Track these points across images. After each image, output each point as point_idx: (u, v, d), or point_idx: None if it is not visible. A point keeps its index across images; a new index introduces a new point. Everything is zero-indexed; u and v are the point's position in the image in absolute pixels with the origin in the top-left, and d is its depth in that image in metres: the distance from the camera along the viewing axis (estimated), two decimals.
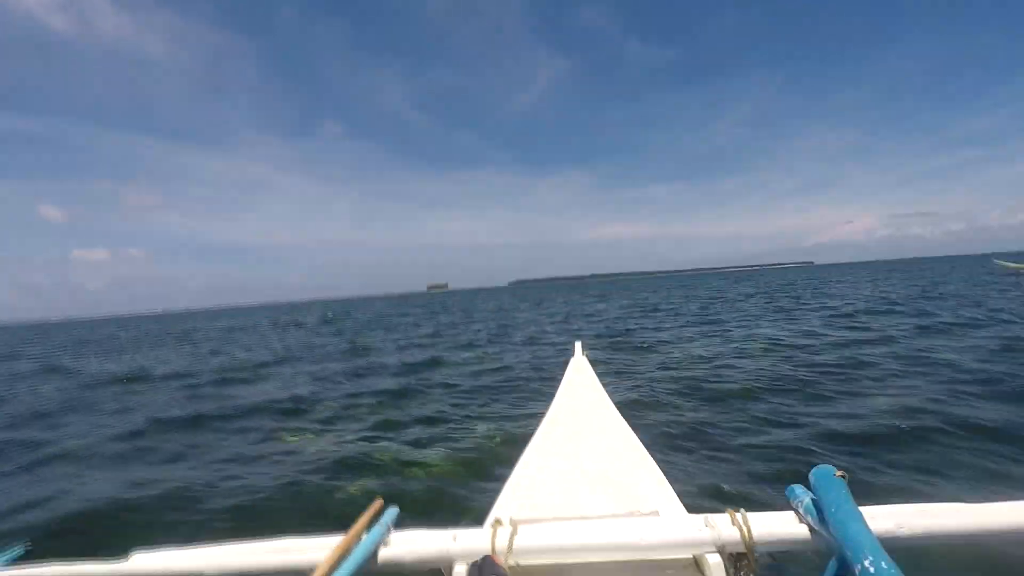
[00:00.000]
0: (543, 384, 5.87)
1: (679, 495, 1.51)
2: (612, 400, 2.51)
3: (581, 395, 2.68)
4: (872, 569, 0.73)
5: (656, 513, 1.30)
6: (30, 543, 1.82)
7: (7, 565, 1.84)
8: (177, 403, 6.42)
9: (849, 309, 12.01)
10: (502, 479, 1.77)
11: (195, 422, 5.24)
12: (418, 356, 9.49)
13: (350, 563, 1.07)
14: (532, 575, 1.13)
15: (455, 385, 6.40)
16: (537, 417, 2.41)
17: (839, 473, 0.96)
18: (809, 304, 14.91)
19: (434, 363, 8.46)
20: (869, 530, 0.83)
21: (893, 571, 0.72)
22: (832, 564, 0.91)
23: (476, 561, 0.82)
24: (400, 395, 5.98)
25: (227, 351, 13.50)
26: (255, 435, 4.64)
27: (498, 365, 7.81)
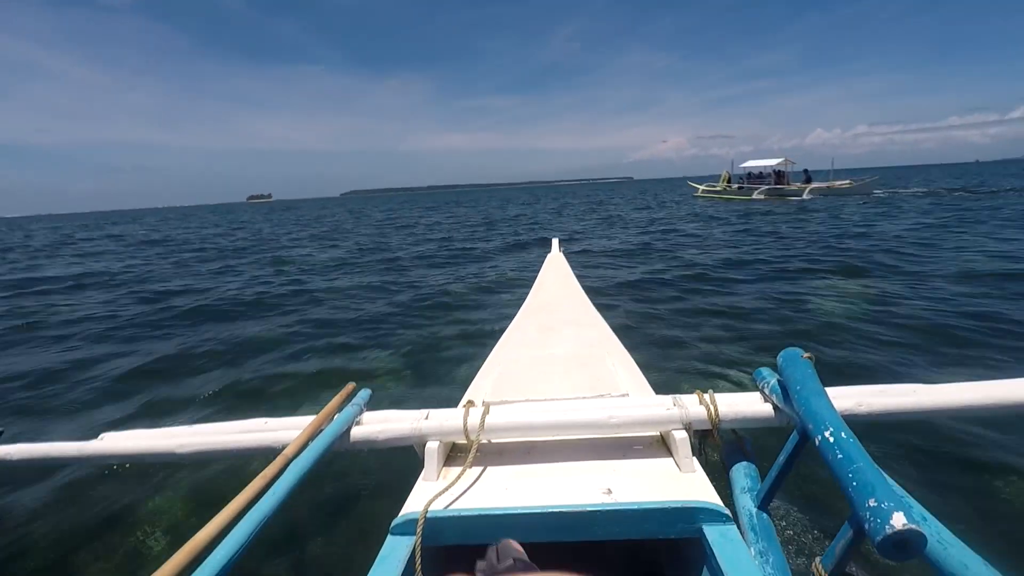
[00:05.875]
0: None
1: (650, 382, 1.54)
2: (587, 293, 2.50)
3: (556, 289, 2.66)
4: (832, 439, 0.76)
5: (626, 395, 1.33)
6: (2, 427, 1.66)
7: None
8: None
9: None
10: (476, 367, 1.77)
11: None
12: None
13: (320, 441, 1.09)
14: (504, 452, 1.16)
15: None
16: (513, 308, 2.34)
17: (806, 355, 1.00)
18: None
19: None
20: (832, 406, 0.85)
21: (852, 440, 0.75)
22: (793, 437, 0.95)
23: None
24: None
25: None
26: None
27: None
